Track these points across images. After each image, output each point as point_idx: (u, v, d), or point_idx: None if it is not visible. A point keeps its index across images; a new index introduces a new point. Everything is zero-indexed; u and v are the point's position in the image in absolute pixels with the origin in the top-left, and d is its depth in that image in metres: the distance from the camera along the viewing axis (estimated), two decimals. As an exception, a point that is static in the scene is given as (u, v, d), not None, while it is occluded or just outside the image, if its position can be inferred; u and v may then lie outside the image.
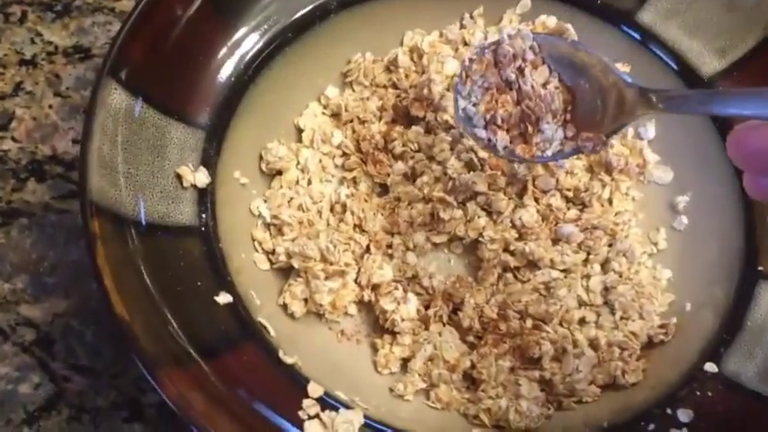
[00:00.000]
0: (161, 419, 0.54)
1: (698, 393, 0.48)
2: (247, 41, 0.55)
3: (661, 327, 0.54)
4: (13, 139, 0.63)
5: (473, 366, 0.53)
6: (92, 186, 0.47)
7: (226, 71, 0.55)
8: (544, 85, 0.49)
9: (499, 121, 0.49)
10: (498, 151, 0.50)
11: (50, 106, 0.64)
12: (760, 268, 0.52)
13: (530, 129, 0.49)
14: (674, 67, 0.58)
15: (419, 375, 0.52)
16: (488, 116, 0.49)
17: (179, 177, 0.51)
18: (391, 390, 0.52)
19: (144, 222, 0.49)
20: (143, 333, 0.44)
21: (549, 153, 0.49)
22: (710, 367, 0.49)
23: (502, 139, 0.49)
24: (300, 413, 0.46)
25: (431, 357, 0.53)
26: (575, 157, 0.55)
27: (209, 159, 0.53)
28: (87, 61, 0.66)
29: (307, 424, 0.45)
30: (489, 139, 0.49)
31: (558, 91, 0.49)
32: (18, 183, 0.61)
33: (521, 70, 0.49)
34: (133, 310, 0.45)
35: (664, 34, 0.58)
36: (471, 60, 0.50)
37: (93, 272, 0.45)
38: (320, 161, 0.59)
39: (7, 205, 0.61)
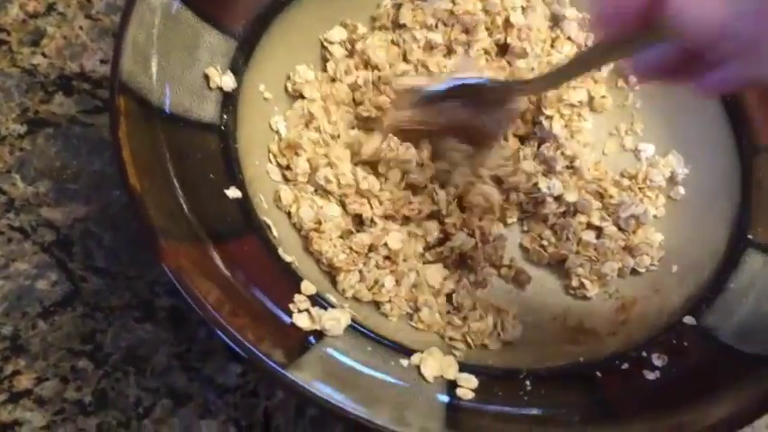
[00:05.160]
0: (171, 321, 0.56)
1: (674, 342, 0.50)
2: (290, -37, 0.58)
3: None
4: (44, 55, 0.65)
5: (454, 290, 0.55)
6: (123, 67, 0.49)
7: (265, -12, 0.57)
8: None
9: None
10: None
11: (81, 27, 0.67)
12: (750, 236, 0.54)
13: None
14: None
15: (405, 300, 0.54)
16: None
17: (206, 78, 0.53)
18: (378, 307, 0.54)
19: (168, 111, 0.51)
20: (153, 206, 0.46)
21: None
22: (689, 320, 0.51)
23: None
24: (291, 306, 0.47)
25: (415, 284, 0.54)
26: None
27: (238, 68, 0.55)
28: (119, -12, 0.68)
29: (296, 316, 0.47)
30: None
31: None
32: (46, 95, 0.64)
33: None
34: (146, 184, 0.46)
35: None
36: None
37: (112, 145, 0.47)
38: (343, 92, 0.61)
39: (34, 115, 0.63)
